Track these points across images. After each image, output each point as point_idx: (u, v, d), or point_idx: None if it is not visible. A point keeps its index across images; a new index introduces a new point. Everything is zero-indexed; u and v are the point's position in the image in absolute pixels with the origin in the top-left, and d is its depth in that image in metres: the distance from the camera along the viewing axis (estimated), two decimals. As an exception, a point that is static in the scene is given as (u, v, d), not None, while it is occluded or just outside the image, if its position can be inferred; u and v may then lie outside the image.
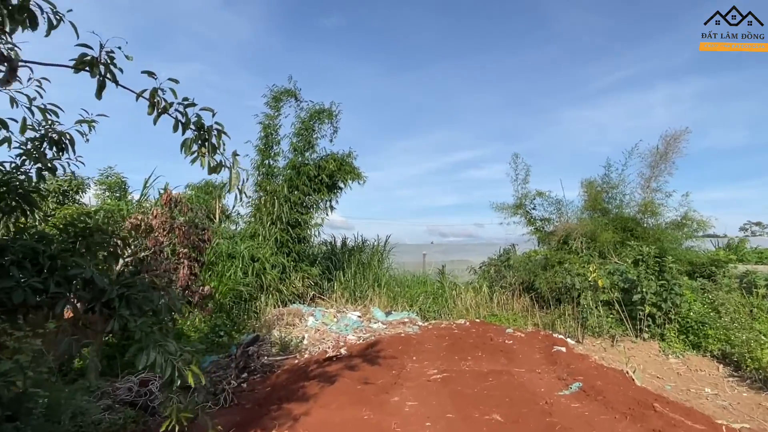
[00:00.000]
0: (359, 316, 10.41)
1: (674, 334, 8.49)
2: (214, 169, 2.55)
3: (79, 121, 3.23)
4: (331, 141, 12.13)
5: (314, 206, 12.08)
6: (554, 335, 8.27)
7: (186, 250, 6.54)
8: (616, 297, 8.89)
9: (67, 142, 3.12)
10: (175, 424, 2.81)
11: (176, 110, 2.46)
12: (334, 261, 12.96)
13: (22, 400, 3.87)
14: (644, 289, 8.43)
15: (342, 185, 12.27)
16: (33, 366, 3.58)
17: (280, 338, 8.58)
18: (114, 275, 6.07)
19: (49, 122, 3.15)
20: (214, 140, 2.51)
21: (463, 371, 5.81)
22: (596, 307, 8.87)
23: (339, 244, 14.11)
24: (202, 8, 32.53)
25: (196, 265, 6.93)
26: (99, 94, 2.34)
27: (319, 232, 12.25)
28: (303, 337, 8.80)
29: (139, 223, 5.97)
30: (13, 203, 2.86)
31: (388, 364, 6.40)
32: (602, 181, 12.06)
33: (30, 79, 2.66)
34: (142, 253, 6.55)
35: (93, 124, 3.33)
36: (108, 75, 2.25)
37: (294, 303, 10.74)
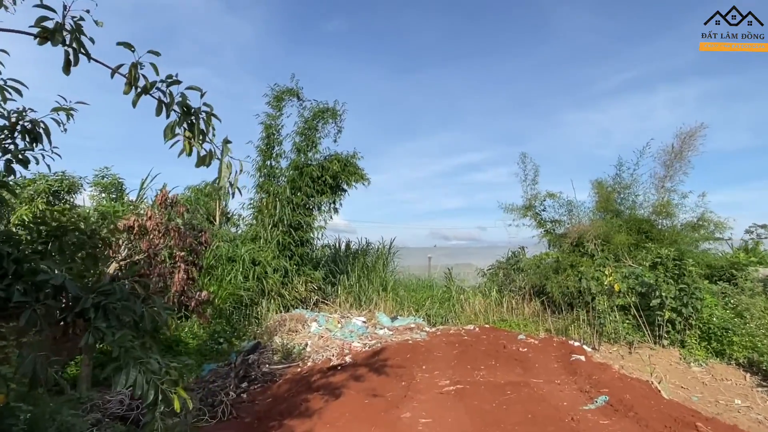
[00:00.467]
0: (364, 322, 10.03)
1: (695, 340, 8.08)
2: (203, 160, 2.19)
3: (56, 109, 2.89)
4: (335, 141, 11.80)
5: (317, 208, 11.73)
6: (570, 342, 7.87)
7: (183, 254, 6.19)
8: (633, 302, 8.49)
9: (41, 131, 2.77)
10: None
11: (158, 89, 2.11)
12: (338, 264, 12.59)
13: (4, 415, 3.51)
14: (663, 294, 8.03)
15: (346, 187, 11.92)
16: (17, 377, 3.23)
17: (282, 345, 8.21)
18: (104, 280, 5.72)
19: (21, 112, 2.81)
20: (202, 125, 2.15)
21: (478, 382, 5.42)
22: (612, 313, 8.48)
23: (343, 247, 13.75)
24: (205, 13, 32.41)
25: (194, 269, 6.58)
26: (67, 69, 1.99)
27: (322, 235, 11.89)
28: (306, 344, 8.43)
29: (132, 224, 5.63)
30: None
31: (396, 373, 6.02)
32: (613, 182, 11.66)
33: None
34: (137, 257, 6.23)
35: (71, 112, 2.98)
36: (75, 45, 1.89)
37: (297, 308, 10.37)
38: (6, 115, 2.76)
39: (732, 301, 8.45)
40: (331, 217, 11.98)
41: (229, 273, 9.02)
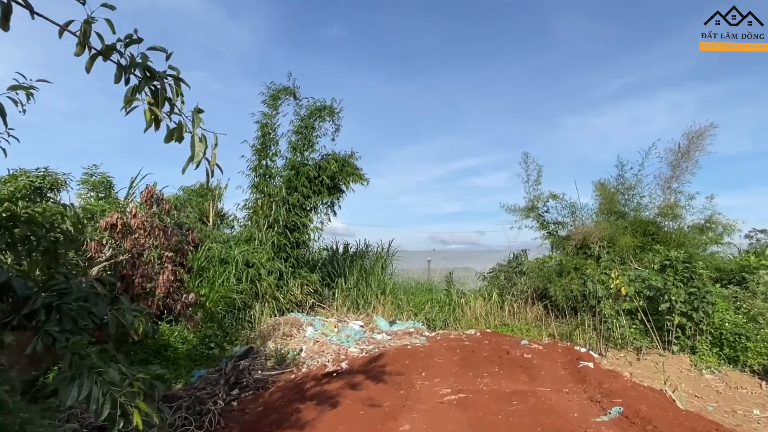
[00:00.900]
0: (362, 326, 9.69)
1: (707, 346, 7.75)
2: (172, 134, 1.88)
3: (13, 87, 2.58)
4: (333, 140, 11.48)
5: (314, 209, 11.40)
6: (576, 348, 7.54)
7: (171, 254, 5.86)
8: (640, 306, 8.17)
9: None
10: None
11: (117, 51, 1.80)
12: (336, 267, 12.25)
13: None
14: (673, 297, 7.71)
15: (344, 187, 11.59)
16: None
17: (276, 350, 7.87)
18: (87, 281, 5.37)
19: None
20: (169, 93, 1.84)
21: (481, 391, 5.08)
22: (618, 317, 8.16)
23: (341, 249, 13.41)
24: (206, 18, 32.37)
25: (183, 270, 6.24)
26: (5, 24, 1.67)
27: (319, 237, 11.55)
28: (301, 349, 8.09)
29: (115, 222, 5.30)
30: None
31: (394, 381, 5.68)
32: (616, 183, 11.38)
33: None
34: (122, 257, 5.90)
35: (31, 91, 2.67)
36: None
37: (292, 312, 10.02)
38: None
39: (744, 305, 8.13)
40: (329, 219, 11.66)
41: (222, 275, 8.67)
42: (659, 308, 7.91)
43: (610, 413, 4.38)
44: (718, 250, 10.99)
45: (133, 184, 7.82)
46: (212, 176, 1.86)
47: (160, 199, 5.60)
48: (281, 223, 10.24)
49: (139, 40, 1.77)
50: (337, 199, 11.61)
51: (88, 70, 1.79)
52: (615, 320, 7.96)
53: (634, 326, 8.42)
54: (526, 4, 31.13)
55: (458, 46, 36.46)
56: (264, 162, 11.24)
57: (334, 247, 13.36)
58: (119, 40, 1.78)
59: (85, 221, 7.10)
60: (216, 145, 1.86)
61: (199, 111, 1.84)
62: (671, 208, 10.57)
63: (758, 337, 7.12)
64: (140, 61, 1.76)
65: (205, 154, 1.88)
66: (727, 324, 7.62)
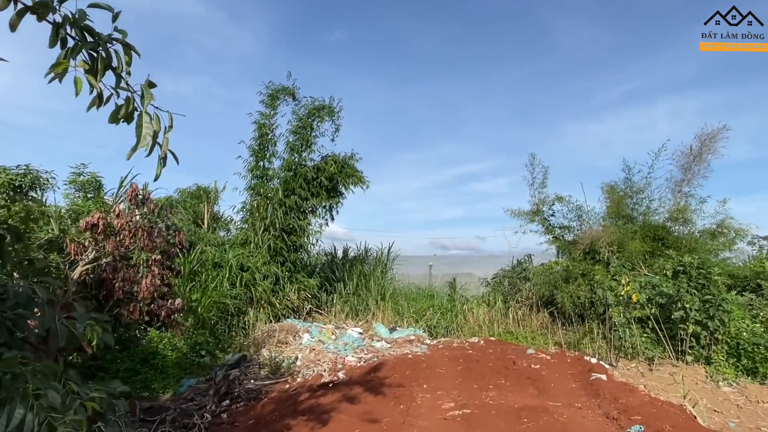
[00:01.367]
0: (360, 333, 9.33)
1: (723, 357, 7.37)
2: (118, 113, 1.55)
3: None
4: (332, 140, 11.16)
5: (312, 212, 11.07)
6: (586, 358, 7.16)
7: (157, 257, 5.53)
8: (652, 314, 7.79)
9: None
10: None
11: (51, 8, 1.47)
12: (335, 272, 11.89)
13: None
14: (687, 305, 7.34)
15: (343, 190, 11.27)
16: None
17: (270, 358, 7.51)
18: (70, 287, 5.03)
19: None
20: (114, 62, 1.51)
21: (487, 406, 4.71)
22: (628, 325, 7.78)
23: (340, 254, 13.04)
24: (208, 22, 32.35)
25: (171, 274, 5.91)
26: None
27: (317, 241, 11.21)
28: (296, 357, 7.73)
29: (96, 222, 4.98)
30: None
31: (393, 394, 5.31)
32: (624, 186, 11.02)
33: None
34: (105, 259, 5.57)
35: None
36: None
37: (288, 318, 9.67)
38: None
39: (762, 314, 7.75)
40: (327, 223, 11.31)
41: (215, 279, 8.33)
42: (672, 316, 7.55)
43: (629, 432, 4.03)
44: (730, 256, 10.63)
45: (123, 184, 7.51)
46: (164, 165, 1.52)
47: (146, 198, 5.28)
48: (277, 225, 9.91)
49: (75, -7, 1.45)
50: (336, 201, 11.27)
51: (13, 27, 1.46)
52: (626, 329, 7.58)
53: (645, 335, 8.05)
54: (527, 10, 30.97)
55: (459, 51, 36.31)
56: (261, 163, 10.95)
57: (334, 252, 13.02)
58: (51, -7, 1.46)
59: (70, 222, 6.78)
60: (170, 127, 1.52)
61: (151, 85, 1.51)
62: (681, 212, 10.20)
63: (779, 347, 6.74)
64: (77, 16, 1.43)
65: (156, 138, 1.54)
66: (744, 333, 7.25)
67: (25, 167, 6.87)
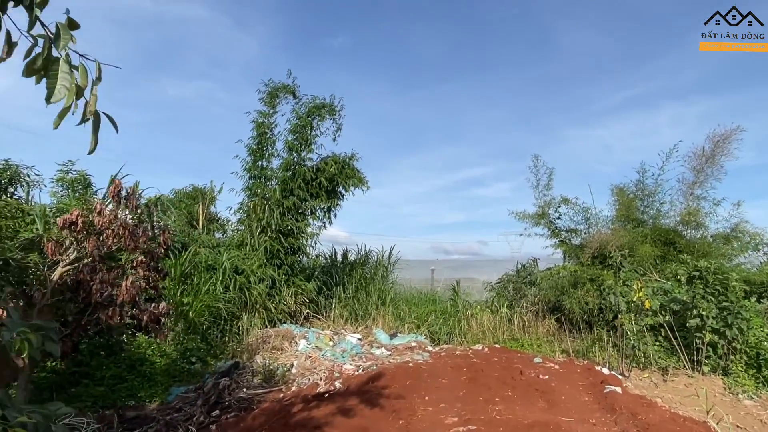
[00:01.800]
0: (359, 339, 8.96)
1: (742, 367, 6.97)
2: (32, 65, 1.20)
3: None
4: (334, 140, 10.83)
5: (311, 213, 10.74)
6: (597, 368, 6.77)
7: (141, 257, 5.18)
8: (666, 321, 7.41)
9: None
10: None
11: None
12: (334, 275, 11.53)
13: None
14: (703, 312, 6.95)
15: (343, 191, 10.93)
16: None
17: (264, 366, 7.16)
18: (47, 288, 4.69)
19: None
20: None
21: (494, 421, 4.33)
22: (643, 334, 7.39)
23: (339, 257, 12.66)
24: (212, 27, 32.36)
25: (157, 275, 5.57)
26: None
27: (315, 243, 10.85)
28: (291, 365, 7.37)
29: (75, 219, 4.64)
30: None
31: (392, 407, 4.93)
32: (636, 188, 10.65)
33: None
34: (87, 260, 5.24)
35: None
36: None
37: (285, 323, 9.31)
38: None
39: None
40: (325, 225, 10.97)
41: (207, 282, 7.98)
42: (687, 324, 7.16)
43: (651, 454, 3.65)
44: (744, 261, 10.24)
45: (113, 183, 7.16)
46: (95, 131, 1.17)
47: (130, 194, 4.94)
48: (274, 227, 9.57)
49: None
50: (336, 203, 10.94)
51: None
52: (640, 337, 7.19)
53: (658, 343, 7.66)
54: (529, 15, 30.78)
55: (462, 56, 36.17)
56: (259, 163, 10.63)
57: (333, 255, 12.65)
58: None
59: (53, 221, 6.44)
60: (98, 79, 1.17)
61: (73, 25, 1.17)
62: (693, 215, 9.83)
63: (803, 358, 6.34)
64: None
65: (81, 94, 1.19)
66: (765, 343, 6.86)
67: (4, 162, 6.56)
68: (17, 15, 1.09)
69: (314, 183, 10.24)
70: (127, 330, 6.75)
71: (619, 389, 5.42)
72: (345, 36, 37.44)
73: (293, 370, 7.17)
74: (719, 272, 7.30)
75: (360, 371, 6.87)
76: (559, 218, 11.00)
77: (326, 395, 5.72)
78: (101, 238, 5.04)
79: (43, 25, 1.16)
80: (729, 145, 9.59)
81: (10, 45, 1.17)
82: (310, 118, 10.49)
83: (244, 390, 6.61)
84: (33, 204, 6.74)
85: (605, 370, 6.66)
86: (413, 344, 8.84)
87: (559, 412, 4.74)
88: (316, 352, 7.76)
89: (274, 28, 35.71)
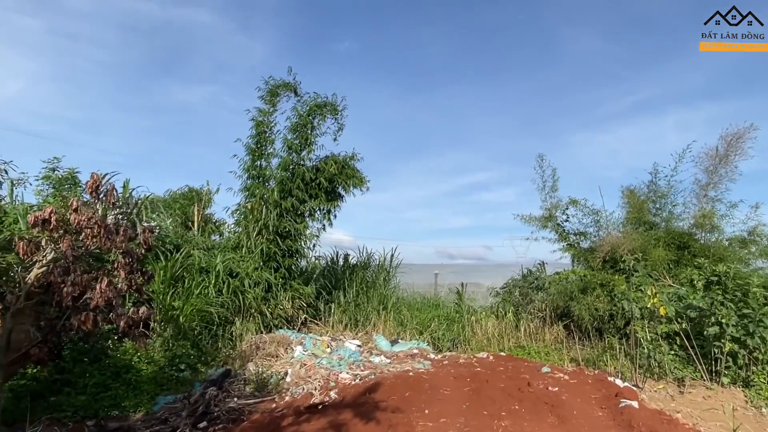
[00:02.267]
0: (359, 346, 8.58)
1: (764, 379, 6.54)
2: None
3: None
4: (335, 139, 10.47)
5: (310, 215, 10.39)
6: (609, 378, 6.36)
7: (123, 259, 4.85)
8: (682, 329, 6.99)
9: None
10: None
11: None
12: (333, 279, 11.17)
13: None
14: (723, 320, 6.53)
15: (343, 192, 10.59)
16: None
17: (257, 374, 6.80)
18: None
19: None
20: None
21: (500, 440, 3.95)
22: (658, 342, 6.98)
23: (340, 260, 12.29)
24: (219, 32, 32.47)
25: (141, 277, 5.23)
26: None
27: (314, 245, 10.49)
28: (286, 373, 7.00)
29: (48, 217, 4.31)
30: None
31: (389, 421, 4.55)
32: (648, 189, 10.26)
33: None
34: (62, 260, 4.91)
35: None
36: None
37: (281, 328, 8.94)
38: None
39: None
40: (324, 227, 10.61)
41: (199, 285, 7.64)
42: (706, 332, 6.74)
43: (677, 481, 3.25)
44: (763, 266, 9.79)
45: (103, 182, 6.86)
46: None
47: (110, 190, 4.61)
48: (271, 228, 9.23)
49: None
50: (336, 204, 10.58)
51: None
52: (655, 346, 6.78)
53: (673, 352, 7.24)
54: (535, 21, 30.54)
55: (467, 60, 36.00)
56: (258, 162, 10.30)
57: (334, 258, 12.28)
58: None
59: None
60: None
61: None
62: (708, 217, 9.41)
63: (832, 370, 5.90)
64: None
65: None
66: (790, 353, 6.43)
67: (-22, 160, 6.27)
68: None
69: (314, 183, 9.90)
70: (112, 335, 6.42)
71: (635, 403, 5.00)
72: (351, 41, 37.44)
73: (287, 379, 6.80)
74: (739, 277, 6.89)
75: (357, 380, 6.49)
76: (567, 221, 10.63)
77: (320, 407, 5.35)
78: (80, 238, 4.72)
79: None
80: (743, 144, 9.21)
81: None
82: (311, 117, 10.16)
83: (235, 400, 6.25)
84: (16, 203, 6.46)
85: (619, 381, 6.24)
86: (415, 351, 8.46)
87: (571, 428, 4.34)
88: (312, 360, 7.39)
89: (280, 33, 35.77)
